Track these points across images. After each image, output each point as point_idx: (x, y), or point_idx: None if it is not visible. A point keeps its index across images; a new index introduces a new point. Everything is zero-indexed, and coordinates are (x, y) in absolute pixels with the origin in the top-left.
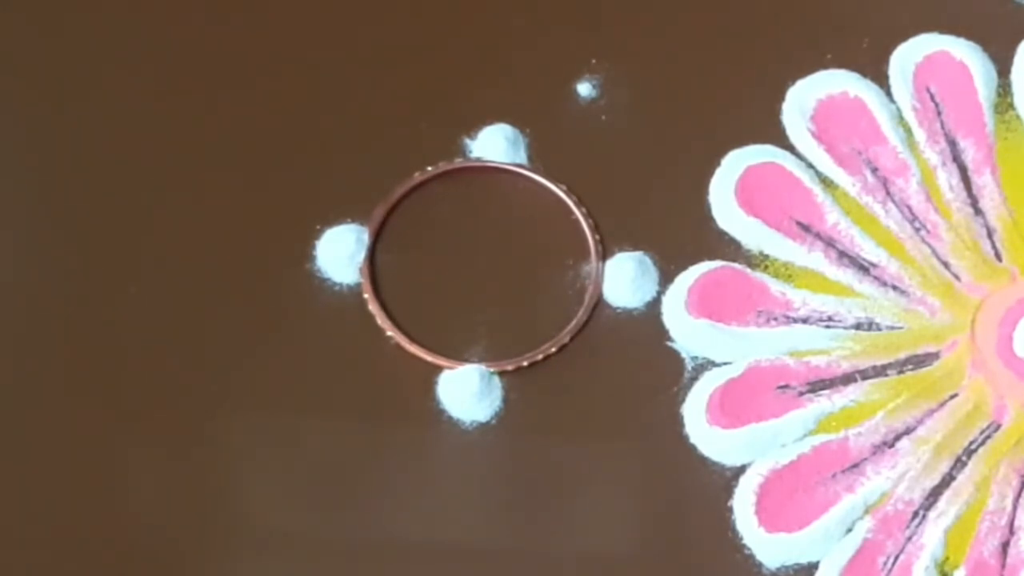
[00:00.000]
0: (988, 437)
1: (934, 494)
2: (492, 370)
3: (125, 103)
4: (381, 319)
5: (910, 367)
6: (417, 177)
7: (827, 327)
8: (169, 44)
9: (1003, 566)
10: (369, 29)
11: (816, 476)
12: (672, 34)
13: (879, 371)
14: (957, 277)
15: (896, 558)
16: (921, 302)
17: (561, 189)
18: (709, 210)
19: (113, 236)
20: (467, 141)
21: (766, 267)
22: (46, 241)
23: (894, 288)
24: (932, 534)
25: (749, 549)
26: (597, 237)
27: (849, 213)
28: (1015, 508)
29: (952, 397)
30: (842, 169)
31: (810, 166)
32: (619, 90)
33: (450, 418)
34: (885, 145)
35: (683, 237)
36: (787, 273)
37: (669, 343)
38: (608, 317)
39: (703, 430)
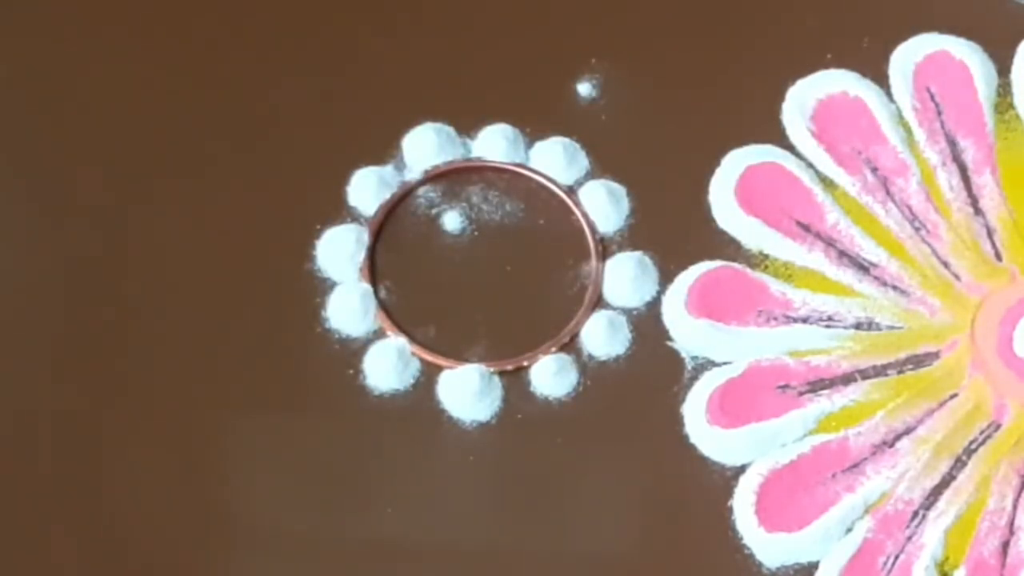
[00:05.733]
0: (988, 437)
1: (934, 494)
2: (492, 370)
3: (124, 103)
4: (381, 319)
5: (910, 367)
6: (417, 177)
7: (827, 327)
8: (169, 42)
9: (1003, 566)
10: (369, 29)
11: (816, 476)
12: (672, 34)
13: (879, 371)
14: (957, 277)
15: (896, 558)
16: (921, 302)
17: (561, 189)
18: (709, 210)
19: (113, 237)
20: (467, 141)
21: (766, 267)
22: (45, 240)
23: (894, 288)
24: (932, 534)
25: (749, 549)
26: (597, 237)
27: (849, 213)
28: (1015, 508)
29: (952, 397)
30: (842, 169)
31: (810, 166)
32: (619, 90)
33: (450, 418)
34: (885, 145)
35: (683, 237)
36: (787, 273)
37: (669, 343)
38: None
39: (703, 430)
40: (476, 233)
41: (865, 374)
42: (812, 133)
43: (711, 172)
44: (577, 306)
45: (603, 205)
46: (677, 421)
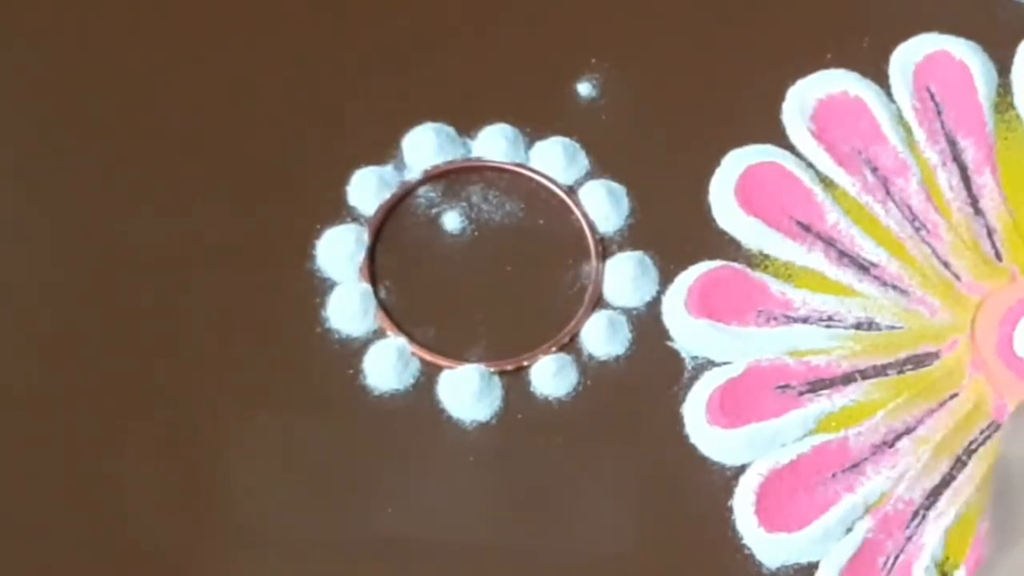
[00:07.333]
0: (988, 437)
1: (934, 494)
2: (492, 370)
3: (124, 104)
4: (381, 319)
5: (910, 367)
6: (417, 177)
7: (827, 327)
8: (170, 42)
9: None
10: (369, 30)
11: (816, 476)
12: (672, 34)
13: (879, 371)
14: (957, 277)
15: (896, 558)
16: (921, 302)
17: (561, 189)
18: (709, 210)
19: (113, 237)
20: (467, 141)
21: (766, 267)
22: (46, 241)
23: (894, 288)
24: (932, 534)
25: (749, 549)
26: (597, 237)
27: (849, 213)
28: None
29: (952, 397)
30: (842, 169)
31: (810, 166)
32: (619, 90)
33: (450, 418)
34: (885, 145)
35: (683, 237)
36: (787, 273)
37: (669, 343)
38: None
39: (703, 430)
40: (476, 233)
41: (865, 374)
42: (812, 133)
43: (711, 172)
44: (577, 306)
45: (603, 205)
46: (677, 421)
